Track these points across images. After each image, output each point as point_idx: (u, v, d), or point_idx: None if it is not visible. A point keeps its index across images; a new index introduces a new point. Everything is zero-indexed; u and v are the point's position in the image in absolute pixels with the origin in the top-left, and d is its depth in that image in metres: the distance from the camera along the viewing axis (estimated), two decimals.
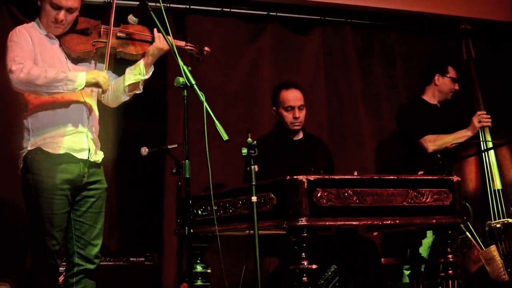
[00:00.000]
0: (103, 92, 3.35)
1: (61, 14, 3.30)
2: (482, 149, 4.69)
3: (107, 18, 3.46)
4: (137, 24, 3.50)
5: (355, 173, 3.61)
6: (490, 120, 4.79)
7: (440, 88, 5.08)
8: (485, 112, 4.83)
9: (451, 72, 5.07)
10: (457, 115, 5.10)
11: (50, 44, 3.38)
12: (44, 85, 3.18)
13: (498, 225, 4.49)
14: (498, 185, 4.60)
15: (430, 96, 5.08)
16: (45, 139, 3.28)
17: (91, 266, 3.39)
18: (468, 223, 4.48)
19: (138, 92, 3.55)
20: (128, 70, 3.50)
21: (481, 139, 4.72)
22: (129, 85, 3.49)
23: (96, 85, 3.30)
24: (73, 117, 3.34)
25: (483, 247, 4.42)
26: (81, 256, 3.38)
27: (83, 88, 3.26)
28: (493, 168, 4.63)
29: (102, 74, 3.30)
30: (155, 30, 3.45)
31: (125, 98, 3.56)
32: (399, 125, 5.21)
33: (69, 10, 3.31)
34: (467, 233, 4.47)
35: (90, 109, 3.42)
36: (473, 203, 4.60)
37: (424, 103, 5.06)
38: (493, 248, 4.40)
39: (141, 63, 3.48)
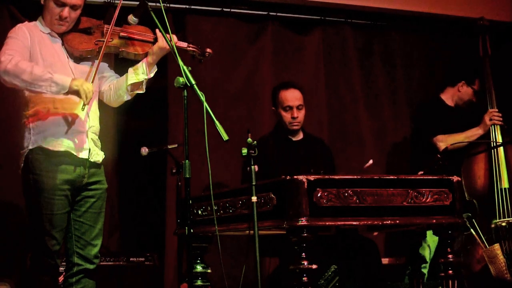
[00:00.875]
0: (84, 104, 3.23)
1: (65, 11, 3.31)
2: (491, 146, 4.67)
3: (109, 18, 3.46)
4: (138, 24, 3.50)
5: (370, 161, 3.61)
6: (501, 118, 4.78)
7: (461, 95, 5.06)
8: (497, 110, 4.82)
9: (477, 85, 5.06)
10: (471, 116, 5.11)
11: (51, 43, 3.38)
12: (28, 81, 3.16)
13: (503, 224, 4.49)
14: (505, 183, 4.60)
15: (449, 98, 5.06)
16: (46, 138, 3.28)
17: (91, 266, 3.39)
18: (473, 220, 4.48)
19: (140, 92, 3.55)
20: (130, 70, 3.50)
21: (491, 138, 4.72)
22: (131, 84, 3.48)
23: (77, 94, 3.21)
24: (74, 117, 3.33)
25: (487, 245, 4.42)
26: (81, 256, 3.38)
27: (66, 93, 3.22)
28: (501, 167, 4.63)
29: (86, 85, 3.22)
30: (157, 30, 3.45)
31: (127, 97, 3.55)
32: (414, 123, 5.21)
33: (73, 7, 3.32)
34: (471, 230, 4.47)
35: (91, 109, 3.42)
36: (480, 200, 4.60)
37: (442, 103, 5.05)
38: (496, 246, 4.39)
39: (144, 62, 3.48)
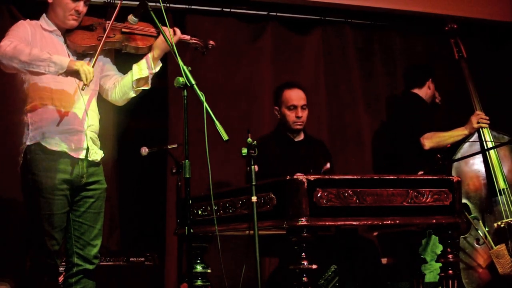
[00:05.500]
0: (84, 85, 3.20)
1: (81, 5, 3.35)
2: (485, 148, 4.68)
3: (110, 17, 3.47)
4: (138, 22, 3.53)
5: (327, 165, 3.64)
6: (488, 121, 4.78)
7: (430, 92, 5.16)
8: (483, 114, 4.82)
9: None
10: (457, 112, 5.14)
11: (53, 40, 3.40)
12: (26, 62, 3.13)
13: (502, 225, 4.49)
14: (502, 184, 4.60)
15: (423, 95, 5.12)
16: (44, 134, 3.29)
17: (90, 266, 3.40)
18: (480, 221, 4.49)
19: (146, 87, 3.56)
20: (135, 65, 3.53)
21: (483, 139, 4.71)
22: (137, 80, 3.50)
23: (77, 74, 3.18)
24: (72, 115, 3.34)
25: (493, 246, 4.43)
26: (80, 256, 3.38)
27: (64, 73, 3.19)
28: (495, 168, 4.62)
29: (86, 66, 3.20)
30: (160, 26, 3.45)
31: (133, 94, 3.56)
32: (395, 121, 5.22)
33: (86, 2, 3.37)
34: (478, 231, 4.47)
35: (90, 108, 3.42)
36: (474, 202, 4.59)
37: (421, 99, 5.09)
38: (503, 247, 4.40)
39: (149, 56, 3.51)
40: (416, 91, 5.12)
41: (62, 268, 3.53)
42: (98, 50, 3.35)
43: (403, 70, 5.50)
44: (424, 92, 5.13)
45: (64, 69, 3.18)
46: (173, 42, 3.35)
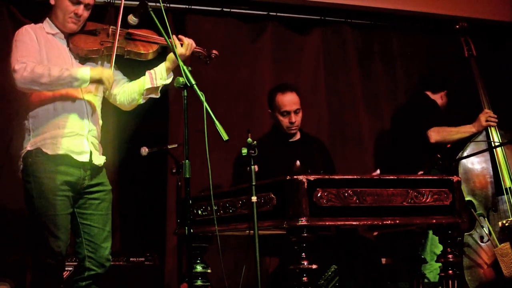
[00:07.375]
0: (105, 89, 3.33)
1: (80, 9, 3.35)
2: (492, 146, 4.68)
3: (110, 19, 3.48)
4: (137, 24, 3.53)
5: (378, 171, 3.64)
6: (497, 120, 4.79)
7: (443, 103, 5.14)
8: (492, 112, 4.83)
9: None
10: (459, 111, 5.14)
11: (57, 44, 3.40)
12: (47, 83, 3.20)
13: (507, 223, 4.49)
14: (508, 183, 4.61)
15: (437, 99, 5.11)
16: (45, 140, 3.28)
17: (102, 270, 3.40)
18: (485, 218, 4.49)
19: (155, 96, 3.59)
20: (147, 74, 3.54)
21: (489, 139, 4.72)
22: (147, 88, 3.52)
23: (99, 82, 3.31)
24: (74, 120, 3.34)
25: (498, 244, 4.43)
26: (93, 260, 3.38)
27: (88, 84, 3.28)
28: (502, 166, 4.63)
29: (106, 72, 3.31)
30: (179, 36, 3.52)
31: (141, 100, 3.60)
32: (403, 120, 5.21)
33: (86, 6, 3.38)
34: (484, 229, 4.48)
35: (91, 113, 3.43)
36: (480, 200, 4.61)
37: (433, 102, 5.08)
38: (507, 245, 4.40)
39: (163, 67, 3.52)
40: (429, 94, 5.12)
41: (69, 268, 3.53)
42: (113, 55, 3.38)
43: (424, 71, 5.49)
44: (435, 98, 5.11)
45: (87, 82, 3.27)
46: (189, 52, 3.47)
